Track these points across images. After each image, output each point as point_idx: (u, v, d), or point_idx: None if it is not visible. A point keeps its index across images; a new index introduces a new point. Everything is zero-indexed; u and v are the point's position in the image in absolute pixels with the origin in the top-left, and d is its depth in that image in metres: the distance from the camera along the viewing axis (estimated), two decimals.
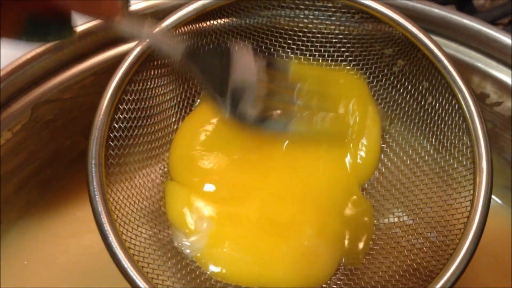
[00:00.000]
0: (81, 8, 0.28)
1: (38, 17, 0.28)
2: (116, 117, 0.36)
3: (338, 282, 0.37)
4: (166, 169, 0.40)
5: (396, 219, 0.39)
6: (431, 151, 0.39)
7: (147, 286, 0.32)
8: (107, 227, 0.33)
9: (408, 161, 0.40)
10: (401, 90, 0.41)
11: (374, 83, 0.42)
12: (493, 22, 0.51)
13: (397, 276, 0.36)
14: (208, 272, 0.37)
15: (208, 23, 0.40)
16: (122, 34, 0.32)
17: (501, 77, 0.41)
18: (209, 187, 0.39)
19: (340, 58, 0.42)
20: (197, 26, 0.40)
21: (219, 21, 0.40)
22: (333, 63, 0.42)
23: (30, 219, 0.45)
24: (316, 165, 0.40)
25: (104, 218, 0.33)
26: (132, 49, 0.36)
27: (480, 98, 0.43)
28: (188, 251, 0.37)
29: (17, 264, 0.43)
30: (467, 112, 0.36)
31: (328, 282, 0.37)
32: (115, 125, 0.36)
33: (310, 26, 0.41)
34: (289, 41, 0.42)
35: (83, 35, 0.40)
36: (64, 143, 0.44)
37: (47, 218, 0.45)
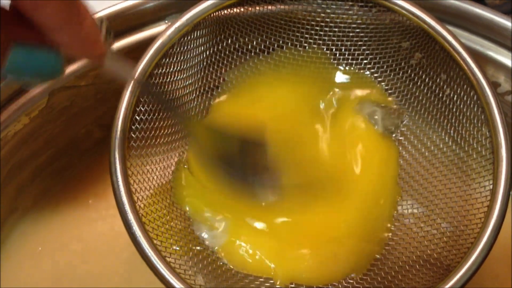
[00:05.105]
0: (68, 44, 0.26)
1: (26, 45, 0.25)
2: (137, 109, 0.36)
3: None
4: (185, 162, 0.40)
5: (415, 210, 0.39)
6: (450, 142, 0.39)
7: (171, 276, 0.32)
8: (130, 217, 0.33)
9: (427, 153, 0.40)
10: (419, 83, 0.41)
11: (391, 76, 0.42)
12: None
13: (417, 266, 0.36)
14: (227, 263, 0.37)
15: (227, 13, 0.40)
16: (108, 75, 0.30)
17: None
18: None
19: (357, 52, 0.42)
20: (217, 19, 0.40)
21: (237, 13, 0.41)
22: (350, 57, 0.42)
23: (44, 206, 0.46)
24: None
25: (127, 208, 0.33)
26: (152, 44, 0.37)
27: None
28: (208, 242, 0.38)
29: (31, 250, 0.44)
30: (485, 103, 0.36)
31: None
32: (137, 117, 0.36)
33: (327, 20, 0.41)
34: (306, 35, 0.42)
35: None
36: (79, 132, 0.45)
37: (61, 205, 0.46)
